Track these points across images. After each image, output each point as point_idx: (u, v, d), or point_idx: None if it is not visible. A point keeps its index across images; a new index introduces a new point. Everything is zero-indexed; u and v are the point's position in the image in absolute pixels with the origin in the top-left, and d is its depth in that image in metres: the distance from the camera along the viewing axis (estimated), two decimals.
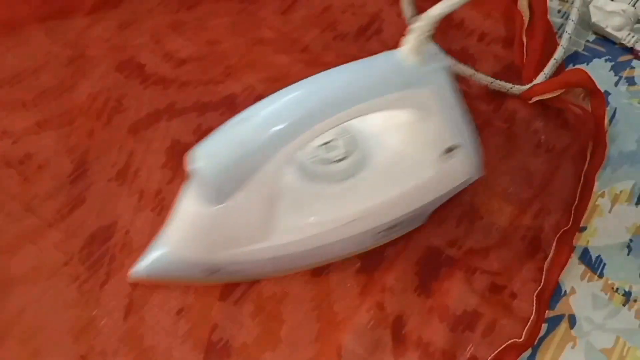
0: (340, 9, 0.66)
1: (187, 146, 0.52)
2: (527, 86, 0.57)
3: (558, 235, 0.48)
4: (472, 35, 0.63)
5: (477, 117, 0.55)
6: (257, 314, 0.44)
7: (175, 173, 0.51)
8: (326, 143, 0.44)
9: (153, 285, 0.45)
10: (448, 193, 0.46)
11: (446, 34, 0.63)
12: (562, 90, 0.55)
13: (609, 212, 0.51)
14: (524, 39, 0.61)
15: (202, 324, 0.44)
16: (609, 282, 0.47)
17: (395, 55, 0.40)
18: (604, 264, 0.48)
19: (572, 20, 0.59)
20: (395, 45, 0.60)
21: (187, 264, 0.42)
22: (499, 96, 0.58)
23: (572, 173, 0.53)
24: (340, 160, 0.44)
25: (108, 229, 0.48)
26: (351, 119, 0.39)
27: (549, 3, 0.63)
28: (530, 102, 0.57)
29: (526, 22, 0.62)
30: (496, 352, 0.42)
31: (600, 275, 0.47)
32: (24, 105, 0.56)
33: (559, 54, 0.58)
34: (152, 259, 0.42)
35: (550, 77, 0.58)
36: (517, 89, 0.57)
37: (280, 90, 0.39)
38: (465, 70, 0.57)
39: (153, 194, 0.50)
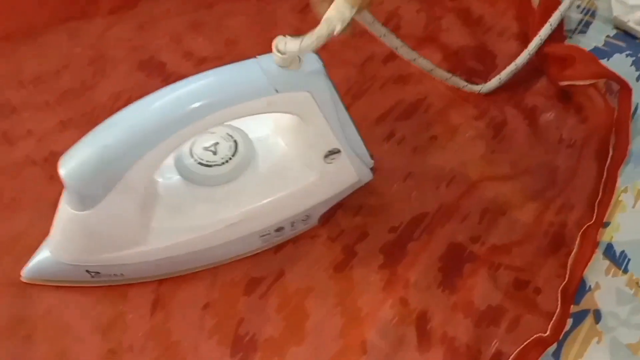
0: None
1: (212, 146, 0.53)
2: (480, 86, 0.57)
3: (582, 231, 0.48)
4: (490, 31, 0.64)
5: (497, 114, 0.56)
6: (282, 308, 0.44)
7: None
8: (212, 145, 0.45)
9: (179, 280, 0.46)
10: (335, 196, 0.47)
11: (466, 28, 0.63)
12: (593, 81, 0.55)
13: (633, 207, 0.50)
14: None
15: (228, 318, 0.44)
16: (634, 277, 0.46)
17: (267, 60, 0.39)
18: (629, 259, 0.47)
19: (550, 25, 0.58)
20: (414, 41, 0.60)
21: (66, 267, 0.43)
22: (519, 93, 0.58)
23: (594, 169, 0.53)
24: (222, 163, 0.44)
25: None
26: (219, 124, 0.40)
27: None
28: (561, 84, 0.56)
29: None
30: (521, 346, 0.42)
31: (625, 271, 0.47)
32: (47, 105, 0.57)
33: (520, 58, 0.57)
34: (36, 262, 0.44)
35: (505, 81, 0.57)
36: (470, 87, 0.57)
37: (146, 97, 0.39)
38: (426, 64, 0.55)
39: None
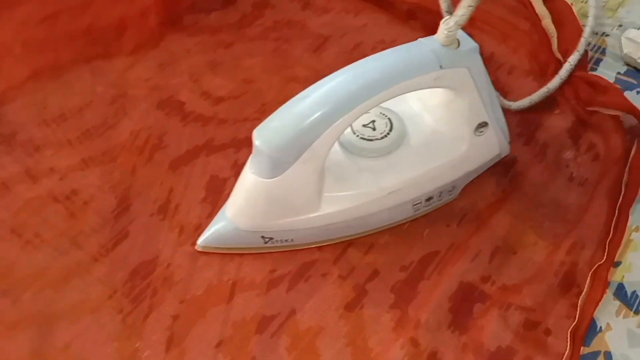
0: (370, 46, 0.68)
1: (225, 181, 0.55)
2: (510, 103, 0.59)
3: (592, 271, 0.48)
4: (501, 68, 0.65)
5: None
6: (294, 347, 0.45)
7: (214, 207, 0.53)
8: (370, 122, 0.49)
9: (193, 317, 0.47)
10: (479, 168, 0.52)
11: None
12: (620, 113, 0.57)
13: None
14: (560, 57, 0.62)
15: (241, 357, 0.45)
16: None
17: (433, 40, 0.45)
18: None
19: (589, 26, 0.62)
20: None
21: (244, 233, 0.48)
22: (530, 128, 0.59)
23: (605, 207, 0.53)
24: (382, 137, 0.49)
25: (150, 263, 0.50)
26: (395, 96, 0.44)
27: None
28: (588, 109, 0.59)
29: (554, 41, 0.63)
30: None
31: (637, 312, 0.47)
32: (69, 143, 0.59)
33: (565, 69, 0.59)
34: (213, 230, 0.49)
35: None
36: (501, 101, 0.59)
37: (331, 74, 0.44)
38: None
39: (193, 228, 0.52)
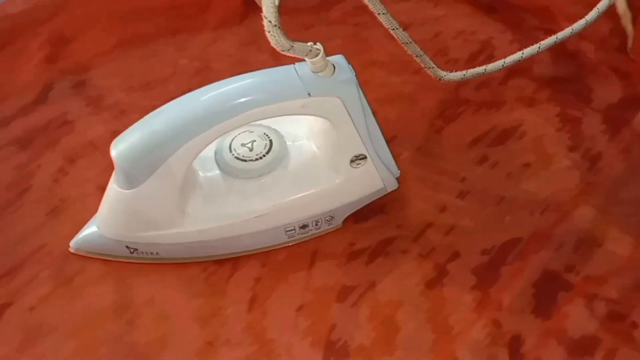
0: (450, 35, 0.68)
1: None
2: (445, 73, 0.55)
3: None
4: (586, 65, 0.64)
5: (592, 146, 0.56)
6: (373, 318, 0.45)
7: None
8: (249, 142, 0.48)
9: (275, 281, 0.47)
10: (360, 200, 0.49)
11: (560, 61, 0.63)
12: None
13: None
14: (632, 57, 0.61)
15: (321, 322, 0.45)
16: None
17: (302, 66, 0.43)
18: None
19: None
20: (505, 71, 0.61)
21: (109, 241, 0.47)
22: (615, 125, 0.58)
23: None
24: (257, 159, 0.47)
25: None
26: (256, 120, 0.43)
27: None
28: None
29: (630, 41, 0.62)
30: None
31: None
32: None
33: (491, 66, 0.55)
34: (83, 235, 0.48)
35: None
36: (434, 70, 0.55)
37: (194, 91, 0.43)
38: (402, 36, 0.53)
39: None
